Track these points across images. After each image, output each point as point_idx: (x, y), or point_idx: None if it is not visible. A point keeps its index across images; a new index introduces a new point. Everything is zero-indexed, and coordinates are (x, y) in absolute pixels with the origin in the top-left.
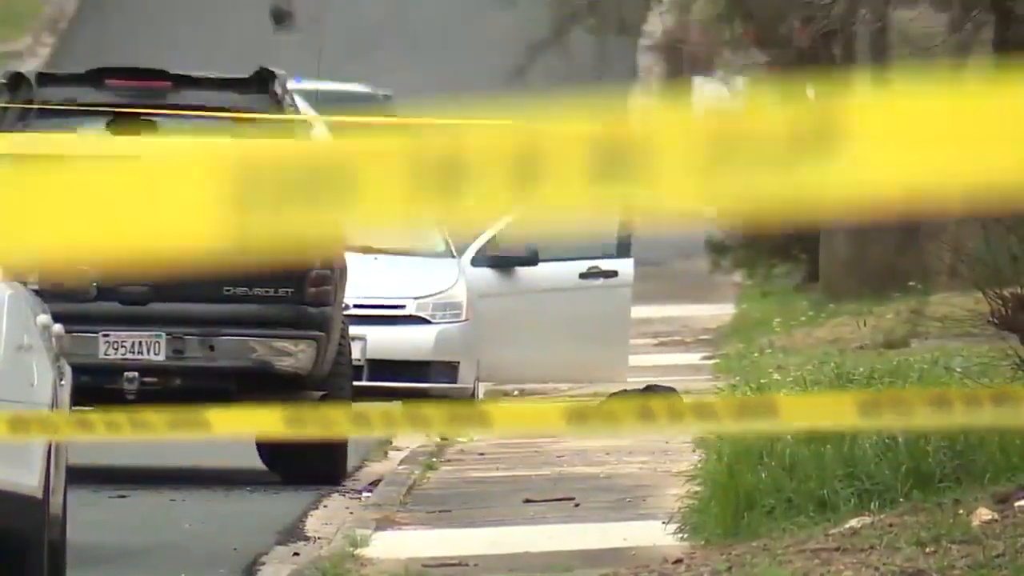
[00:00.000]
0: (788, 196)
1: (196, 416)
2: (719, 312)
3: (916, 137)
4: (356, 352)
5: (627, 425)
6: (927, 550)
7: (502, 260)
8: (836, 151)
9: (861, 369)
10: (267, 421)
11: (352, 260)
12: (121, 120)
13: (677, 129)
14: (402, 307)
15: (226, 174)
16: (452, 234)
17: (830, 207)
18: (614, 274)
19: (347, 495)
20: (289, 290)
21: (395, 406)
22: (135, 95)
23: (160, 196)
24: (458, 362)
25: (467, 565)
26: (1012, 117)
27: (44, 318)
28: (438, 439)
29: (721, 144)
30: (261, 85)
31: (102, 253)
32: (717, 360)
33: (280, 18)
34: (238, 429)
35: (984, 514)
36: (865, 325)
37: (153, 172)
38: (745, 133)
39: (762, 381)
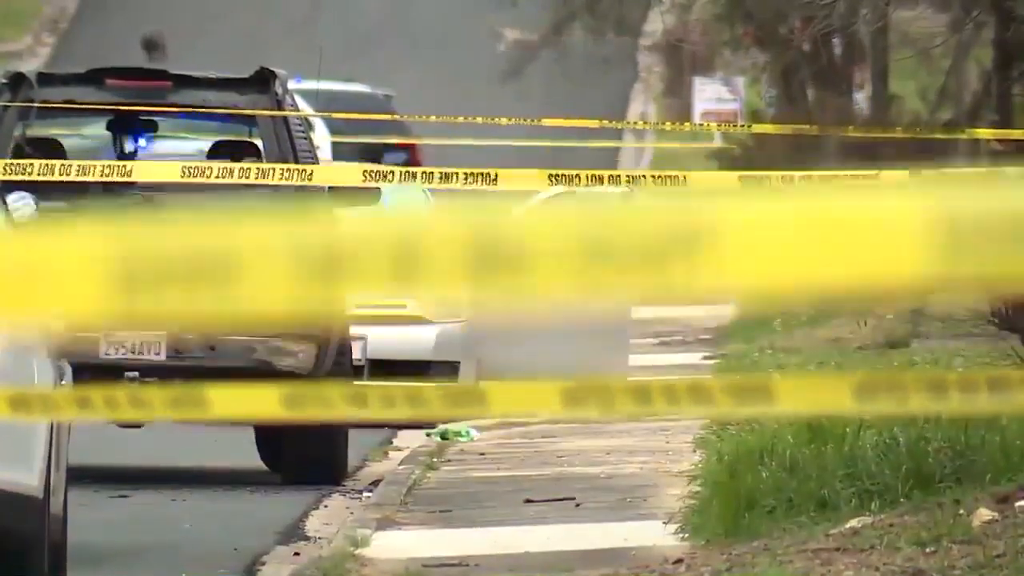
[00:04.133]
0: (660, 292)
1: (196, 394)
2: (719, 312)
3: (777, 239)
4: (356, 352)
5: (623, 407)
6: (927, 550)
7: None
8: (704, 251)
9: (862, 369)
10: (266, 401)
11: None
12: (121, 120)
13: (554, 229)
14: (402, 307)
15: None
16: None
17: (699, 300)
18: None
19: (347, 495)
20: None
21: (394, 387)
22: (135, 95)
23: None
24: (458, 362)
25: (467, 565)
26: (865, 222)
27: None
28: (438, 439)
29: (596, 244)
30: (261, 85)
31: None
32: (717, 360)
33: (151, 48)
34: (237, 409)
35: (984, 514)
36: (866, 325)
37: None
38: (618, 235)
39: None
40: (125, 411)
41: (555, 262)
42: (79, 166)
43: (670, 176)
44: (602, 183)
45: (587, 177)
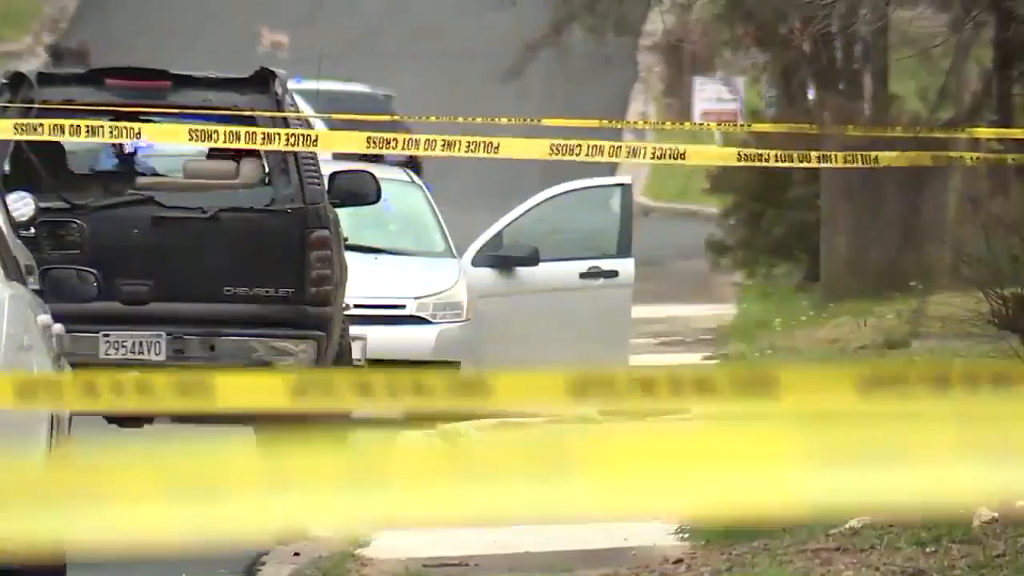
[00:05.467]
0: (527, 515)
1: (202, 380)
2: (719, 312)
3: (636, 469)
4: (356, 352)
5: (627, 398)
6: (927, 550)
7: (503, 260)
8: (563, 480)
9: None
10: (272, 390)
11: (352, 260)
12: (121, 120)
13: (416, 451)
14: (402, 307)
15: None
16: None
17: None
18: (614, 274)
19: None
20: (289, 290)
21: (399, 376)
22: (135, 95)
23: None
24: (459, 362)
25: (467, 565)
26: (728, 454)
27: (44, 318)
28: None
29: (454, 464)
30: (261, 85)
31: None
32: (718, 360)
33: (58, 57)
34: (243, 398)
35: (985, 514)
36: (866, 325)
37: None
38: (481, 458)
39: None
40: (131, 399)
41: (411, 482)
42: (88, 127)
43: (669, 149)
44: (603, 155)
45: (588, 148)
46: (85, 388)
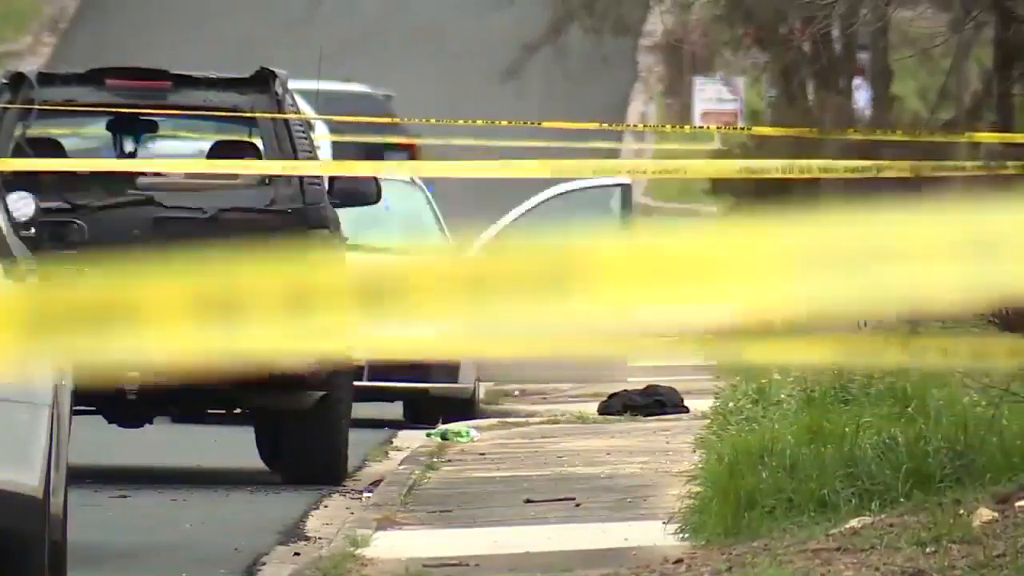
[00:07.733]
0: (531, 327)
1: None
2: (718, 312)
3: (640, 272)
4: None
5: (592, 347)
6: (927, 550)
7: None
8: (574, 290)
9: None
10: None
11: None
12: (121, 120)
13: (434, 270)
14: None
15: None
16: None
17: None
18: None
19: (348, 495)
20: None
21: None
22: (135, 95)
23: None
24: (458, 362)
25: (467, 565)
26: (738, 261)
27: None
28: (438, 439)
29: (475, 283)
30: (261, 85)
31: None
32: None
33: None
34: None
35: (985, 514)
36: (866, 325)
37: None
38: (497, 273)
39: (763, 381)
40: None
41: (439, 299)
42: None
43: (670, 168)
44: (606, 173)
45: (591, 171)
46: None
